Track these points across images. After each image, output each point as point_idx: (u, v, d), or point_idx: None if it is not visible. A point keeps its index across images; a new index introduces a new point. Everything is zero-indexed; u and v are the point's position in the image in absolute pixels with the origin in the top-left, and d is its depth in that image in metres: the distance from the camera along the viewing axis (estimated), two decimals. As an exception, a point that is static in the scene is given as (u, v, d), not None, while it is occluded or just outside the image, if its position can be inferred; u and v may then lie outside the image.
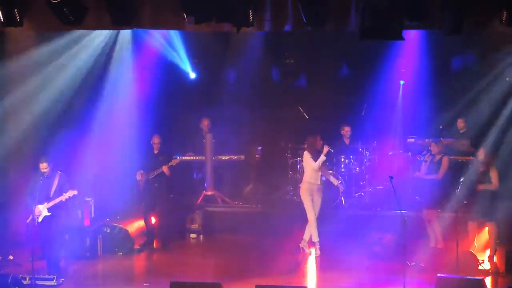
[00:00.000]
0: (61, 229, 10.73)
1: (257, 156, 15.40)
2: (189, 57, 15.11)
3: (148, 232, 12.79)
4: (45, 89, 13.06)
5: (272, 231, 12.71)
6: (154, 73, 14.37)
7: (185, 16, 10.55)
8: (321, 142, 11.87)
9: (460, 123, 13.81)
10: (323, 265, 11.40)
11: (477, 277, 9.40)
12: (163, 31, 13.76)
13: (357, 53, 14.49)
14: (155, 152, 12.70)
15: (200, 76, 15.41)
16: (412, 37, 13.64)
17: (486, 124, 13.65)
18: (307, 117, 15.13)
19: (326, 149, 11.77)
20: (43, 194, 10.48)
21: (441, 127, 14.08)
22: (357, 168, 14.27)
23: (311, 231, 11.79)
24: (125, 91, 13.87)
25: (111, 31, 13.08)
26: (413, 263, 10.85)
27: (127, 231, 12.55)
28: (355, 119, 14.64)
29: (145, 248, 12.56)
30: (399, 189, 10.00)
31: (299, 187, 12.25)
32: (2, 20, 10.64)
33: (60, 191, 10.51)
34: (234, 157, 14.71)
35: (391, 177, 9.62)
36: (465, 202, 11.47)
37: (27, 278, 10.03)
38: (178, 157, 12.84)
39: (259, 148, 15.47)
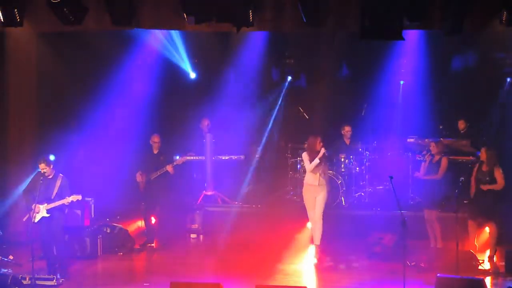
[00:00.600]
0: (60, 230, 10.72)
1: (257, 156, 15.40)
2: (189, 57, 15.10)
3: (148, 232, 12.78)
4: (45, 88, 13.08)
5: (272, 231, 12.69)
6: (154, 73, 14.37)
7: (185, 16, 10.57)
8: (321, 144, 11.60)
9: (461, 124, 13.80)
10: (323, 265, 11.38)
11: (477, 277, 9.40)
12: (163, 30, 13.75)
13: (357, 53, 14.49)
14: (155, 152, 12.68)
15: (200, 76, 15.40)
16: (412, 37, 13.63)
17: (487, 124, 13.69)
18: (307, 117, 15.12)
19: (321, 152, 11.48)
20: (43, 195, 10.48)
21: (441, 127, 14.08)
22: (357, 168, 14.27)
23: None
24: (125, 90, 13.86)
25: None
26: (413, 263, 10.85)
27: (127, 231, 12.56)
28: (355, 119, 14.64)
29: (145, 248, 12.56)
30: (399, 189, 10.00)
31: (300, 187, 12.23)
32: (2, 20, 10.66)
33: (61, 194, 10.50)
34: (234, 157, 14.70)
35: (391, 177, 9.62)
36: (465, 201, 11.47)
37: (27, 278, 10.03)
38: (180, 157, 12.85)
39: (259, 148, 15.47)
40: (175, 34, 14.40)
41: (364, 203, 13.98)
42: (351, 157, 14.28)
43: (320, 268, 11.20)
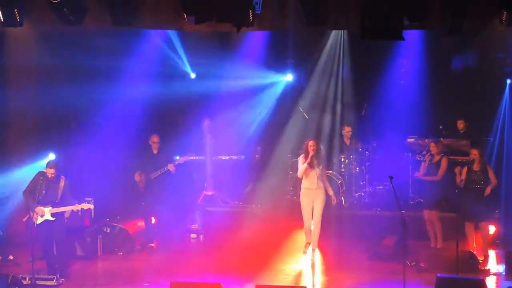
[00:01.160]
0: (62, 230, 10.73)
1: (257, 156, 15.39)
2: (190, 57, 15.09)
3: (148, 232, 12.78)
4: (45, 88, 13.08)
5: (272, 231, 12.70)
6: (154, 73, 14.36)
7: (185, 16, 10.55)
8: (312, 147, 11.27)
9: (460, 124, 13.80)
10: (323, 265, 11.40)
11: (477, 277, 9.40)
12: (162, 31, 13.75)
13: (358, 53, 14.49)
14: (155, 152, 12.69)
15: (200, 76, 15.39)
16: (412, 37, 13.63)
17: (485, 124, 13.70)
18: (307, 117, 15.12)
19: (309, 157, 11.27)
20: (47, 197, 10.48)
21: (441, 127, 14.07)
22: (357, 168, 14.28)
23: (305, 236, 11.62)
24: (125, 90, 13.86)
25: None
26: (413, 263, 10.86)
27: (127, 231, 12.55)
28: (355, 119, 14.64)
29: (145, 248, 12.56)
30: (399, 189, 10.00)
31: (300, 187, 12.19)
32: (2, 20, 10.65)
33: (65, 197, 10.54)
34: (234, 157, 14.70)
35: (391, 177, 9.62)
36: (464, 202, 11.48)
37: (27, 278, 10.04)
38: (180, 157, 12.85)
39: (259, 148, 15.46)
40: (175, 34, 14.40)
41: (364, 203, 13.99)
42: (351, 157, 14.28)
43: (321, 264, 11.23)
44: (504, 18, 10.23)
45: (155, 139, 12.70)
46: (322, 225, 11.50)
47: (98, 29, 11.58)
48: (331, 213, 12.91)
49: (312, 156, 11.28)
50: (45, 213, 10.46)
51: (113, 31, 11.85)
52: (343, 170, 14.22)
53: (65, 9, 10.41)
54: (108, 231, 12.28)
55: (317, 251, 11.61)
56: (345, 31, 14.35)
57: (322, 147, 11.79)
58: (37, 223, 10.47)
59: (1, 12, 10.56)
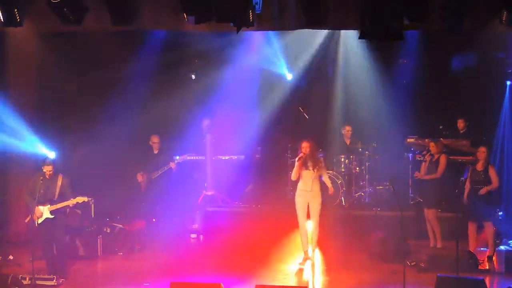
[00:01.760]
0: (62, 230, 10.73)
1: (257, 156, 15.39)
2: (190, 57, 15.10)
3: (148, 232, 12.78)
4: (45, 88, 13.08)
5: (272, 231, 12.69)
6: (154, 73, 14.36)
7: (185, 16, 10.55)
8: (305, 148, 11.10)
9: (460, 123, 13.80)
10: (323, 265, 11.39)
11: (477, 277, 9.39)
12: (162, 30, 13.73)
13: (357, 53, 14.48)
14: (155, 152, 12.71)
15: (201, 76, 15.39)
16: (412, 37, 13.62)
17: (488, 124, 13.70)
18: (307, 117, 15.12)
19: (298, 158, 11.10)
20: (45, 196, 10.47)
21: (441, 127, 14.07)
22: (357, 168, 14.28)
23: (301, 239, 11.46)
24: (125, 90, 13.85)
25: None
26: (413, 263, 10.86)
27: (127, 231, 12.55)
28: (355, 119, 14.64)
29: (145, 248, 12.56)
30: (399, 189, 10.00)
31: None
32: (2, 20, 10.64)
33: (64, 195, 10.51)
34: (234, 157, 14.70)
35: (391, 181, 9.61)
36: (464, 202, 11.47)
37: (27, 278, 10.04)
38: (179, 156, 12.88)
39: (259, 148, 15.46)
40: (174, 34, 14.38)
41: (364, 203, 13.99)
42: (351, 157, 14.28)
43: (321, 264, 11.22)
44: (504, 18, 10.23)
45: (155, 139, 12.73)
46: (322, 225, 11.47)
47: (98, 29, 11.58)
48: (331, 213, 12.92)
49: (303, 157, 11.10)
50: (44, 212, 10.46)
51: (113, 30, 11.86)
52: (343, 170, 14.23)
53: (65, 9, 10.42)
54: (108, 231, 12.28)
55: (317, 251, 11.62)
56: (345, 30, 14.34)
57: (318, 149, 11.62)
58: (38, 223, 10.47)
59: (1, 12, 10.56)
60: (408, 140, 14.01)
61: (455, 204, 11.02)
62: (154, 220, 12.83)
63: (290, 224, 12.70)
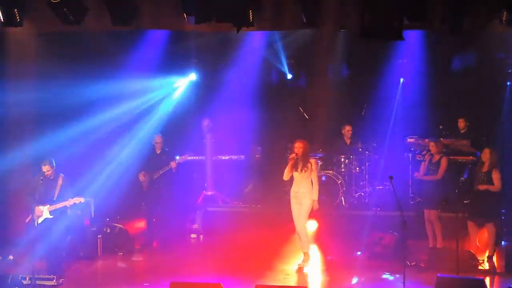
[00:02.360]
0: (62, 230, 10.72)
1: (257, 156, 15.39)
2: (190, 57, 15.10)
3: (149, 232, 12.79)
4: (45, 88, 13.06)
5: (272, 231, 12.69)
6: (155, 73, 14.36)
7: (185, 16, 10.56)
8: (297, 149, 10.86)
9: (461, 123, 13.80)
10: (323, 265, 11.40)
11: (477, 277, 9.40)
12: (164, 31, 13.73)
13: (357, 53, 14.48)
14: (158, 152, 12.75)
15: (200, 76, 15.39)
16: (412, 37, 13.62)
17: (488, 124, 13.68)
18: (307, 117, 15.12)
19: (290, 158, 10.90)
20: (45, 196, 10.48)
21: (441, 127, 14.07)
22: (357, 168, 14.27)
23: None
24: (125, 90, 13.86)
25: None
26: (413, 263, 10.86)
27: (127, 231, 12.55)
28: (355, 119, 14.64)
29: (145, 248, 12.56)
30: (399, 189, 9.99)
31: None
32: (2, 20, 10.65)
33: (63, 195, 10.51)
34: (234, 157, 14.70)
35: (391, 177, 9.61)
36: (465, 202, 11.47)
37: (27, 278, 10.03)
38: (179, 156, 12.89)
39: (259, 148, 15.46)
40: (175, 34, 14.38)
41: (364, 203, 13.98)
42: (351, 157, 14.28)
43: (321, 264, 11.22)
44: (504, 18, 10.24)
45: (158, 139, 12.77)
46: (322, 225, 11.47)
47: (98, 29, 11.58)
48: (331, 213, 12.92)
49: (294, 158, 10.89)
50: (44, 212, 10.46)
51: (113, 30, 11.86)
52: (343, 170, 14.22)
53: (65, 9, 10.43)
54: (108, 231, 12.28)
55: (317, 251, 11.63)
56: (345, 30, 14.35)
57: (311, 150, 11.42)
58: (38, 222, 10.47)
59: (1, 12, 10.56)
60: (408, 140, 14.00)
61: (455, 204, 11.00)
62: (154, 220, 12.82)
63: (290, 224, 12.71)
